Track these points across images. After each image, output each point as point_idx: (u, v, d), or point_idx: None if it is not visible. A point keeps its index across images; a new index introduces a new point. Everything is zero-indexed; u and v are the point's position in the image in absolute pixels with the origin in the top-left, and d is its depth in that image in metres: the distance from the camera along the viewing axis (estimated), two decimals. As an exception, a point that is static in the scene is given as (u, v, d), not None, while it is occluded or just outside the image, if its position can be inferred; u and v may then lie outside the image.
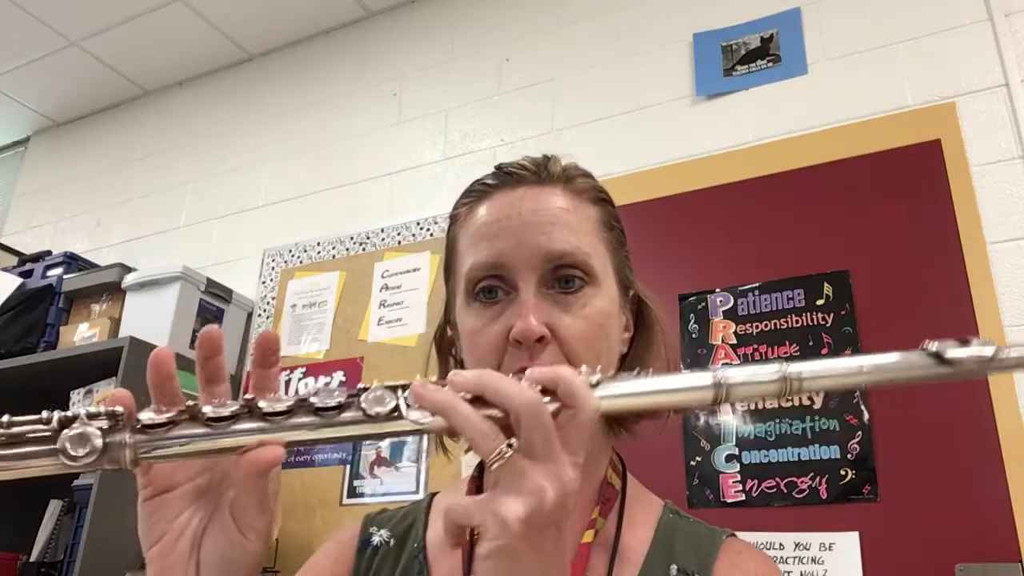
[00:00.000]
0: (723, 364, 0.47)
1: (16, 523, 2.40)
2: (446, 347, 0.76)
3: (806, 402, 1.75)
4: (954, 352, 0.48)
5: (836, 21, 2.04)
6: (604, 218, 0.72)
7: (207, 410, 0.45)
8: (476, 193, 0.72)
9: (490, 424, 0.45)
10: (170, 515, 0.50)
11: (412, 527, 0.74)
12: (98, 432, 0.43)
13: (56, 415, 0.44)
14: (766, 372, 0.50)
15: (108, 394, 2.21)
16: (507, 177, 0.70)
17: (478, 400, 0.46)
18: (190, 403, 0.47)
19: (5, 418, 0.44)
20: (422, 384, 0.46)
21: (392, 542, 0.73)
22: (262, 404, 0.46)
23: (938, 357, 0.48)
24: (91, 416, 0.44)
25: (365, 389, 0.47)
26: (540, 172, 0.71)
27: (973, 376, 0.48)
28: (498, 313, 0.65)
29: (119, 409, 0.45)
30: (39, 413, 0.45)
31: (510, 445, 0.44)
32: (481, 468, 0.75)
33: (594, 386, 0.48)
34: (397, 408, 0.45)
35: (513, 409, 0.45)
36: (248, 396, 0.47)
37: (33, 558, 2.30)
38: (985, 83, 1.82)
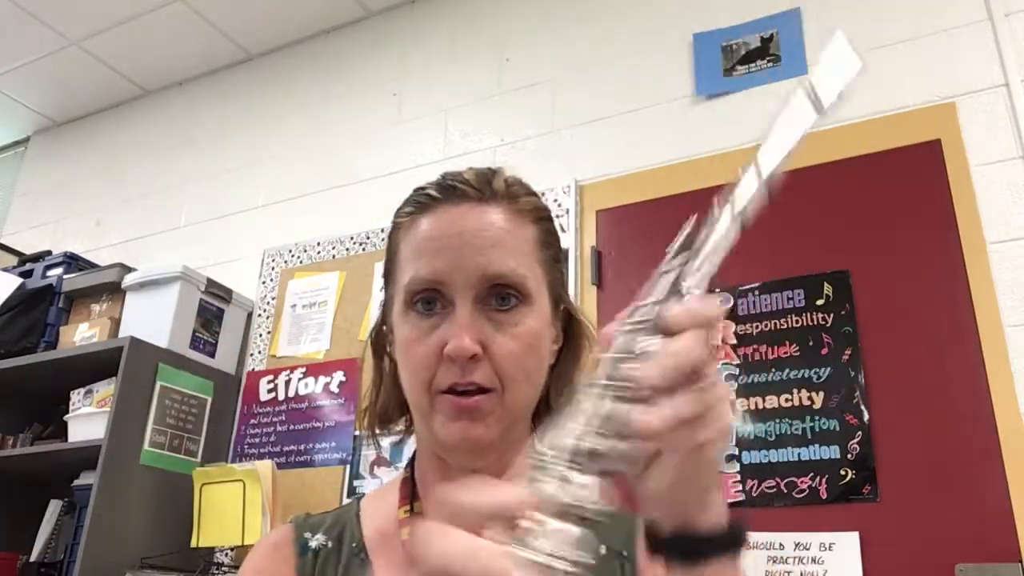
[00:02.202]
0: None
1: (16, 523, 2.40)
2: (381, 347, 0.77)
3: (806, 402, 1.75)
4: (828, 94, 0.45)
5: (836, 21, 2.04)
6: (542, 237, 0.73)
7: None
8: (420, 204, 0.73)
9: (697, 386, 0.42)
10: None
11: (345, 530, 0.75)
12: None
13: None
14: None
15: (108, 394, 2.14)
16: (451, 191, 0.72)
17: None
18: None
19: None
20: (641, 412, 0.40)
21: (330, 544, 0.74)
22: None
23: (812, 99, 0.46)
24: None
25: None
26: (484, 189, 0.72)
27: None
28: (434, 326, 0.67)
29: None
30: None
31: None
32: (412, 468, 0.76)
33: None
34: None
35: (709, 375, 0.43)
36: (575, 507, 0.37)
37: (33, 558, 2.30)
38: (985, 83, 1.82)
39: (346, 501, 2.19)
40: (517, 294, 0.68)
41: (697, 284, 0.46)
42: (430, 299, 0.68)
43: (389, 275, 0.76)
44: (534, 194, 0.76)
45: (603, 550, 0.68)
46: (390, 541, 0.71)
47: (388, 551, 0.71)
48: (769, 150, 0.49)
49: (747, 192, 0.48)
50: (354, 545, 0.73)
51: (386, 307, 0.76)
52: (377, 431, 0.79)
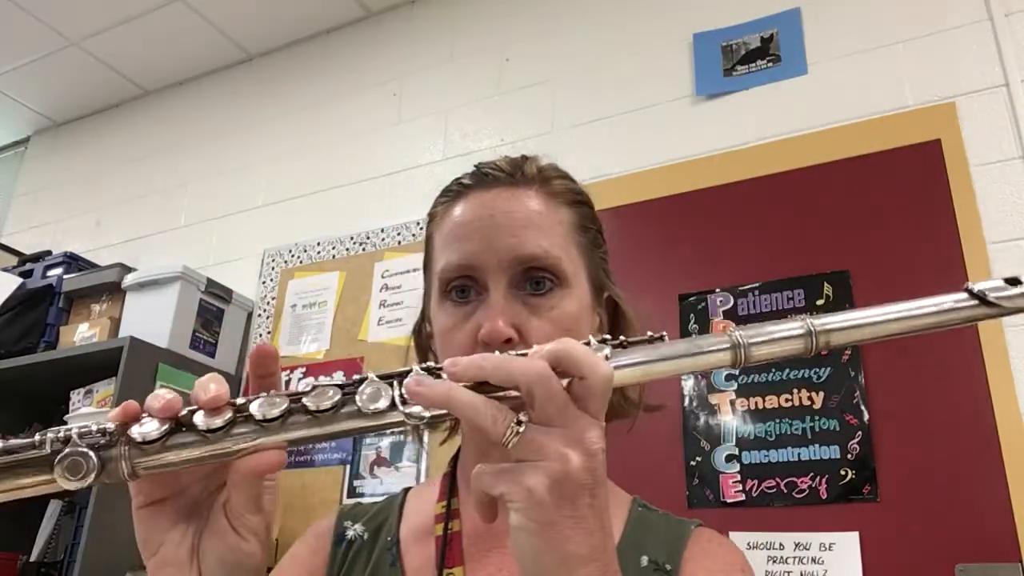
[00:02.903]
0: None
1: (16, 523, 2.40)
2: (424, 342, 0.77)
3: (806, 402, 1.75)
4: (997, 292, 0.46)
5: (836, 21, 2.04)
6: (579, 220, 0.72)
7: (199, 420, 0.45)
8: (453, 192, 0.73)
9: (495, 404, 0.44)
10: (166, 523, 0.49)
11: (385, 522, 0.75)
12: (92, 454, 0.43)
13: (49, 438, 0.44)
14: (787, 328, 0.47)
15: (108, 394, 2.18)
16: (483, 177, 0.71)
17: (480, 386, 0.45)
18: (183, 413, 0.46)
19: (0, 443, 0.44)
20: (417, 381, 0.45)
21: (366, 536, 0.74)
22: (255, 411, 0.45)
23: (980, 298, 0.46)
24: (83, 435, 0.44)
25: (361, 381, 0.46)
26: (515, 173, 0.71)
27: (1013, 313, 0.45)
28: (469, 313, 0.66)
29: (110, 426, 0.45)
30: (32, 427, 0.45)
31: (519, 421, 0.44)
32: (455, 464, 0.75)
33: (606, 359, 0.47)
34: (393, 404, 0.45)
35: (521, 383, 0.44)
36: (240, 401, 0.46)
37: (33, 558, 2.30)
38: (985, 83, 1.82)
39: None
40: (552, 277, 0.66)
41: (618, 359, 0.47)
42: (464, 287, 0.67)
43: (426, 266, 0.75)
44: (569, 178, 0.74)
45: (644, 561, 0.66)
46: (424, 537, 0.71)
47: (421, 547, 0.70)
48: (839, 321, 0.48)
49: (769, 335, 0.48)
50: (388, 539, 0.72)
51: (425, 300, 0.75)
52: (421, 430, 0.78)
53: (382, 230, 2.50)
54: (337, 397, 0.45)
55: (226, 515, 0.48)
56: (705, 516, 0.75)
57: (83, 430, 0.44)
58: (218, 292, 2.51)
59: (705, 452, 1.81)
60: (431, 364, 0.47)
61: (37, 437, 0.44)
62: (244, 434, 0.45)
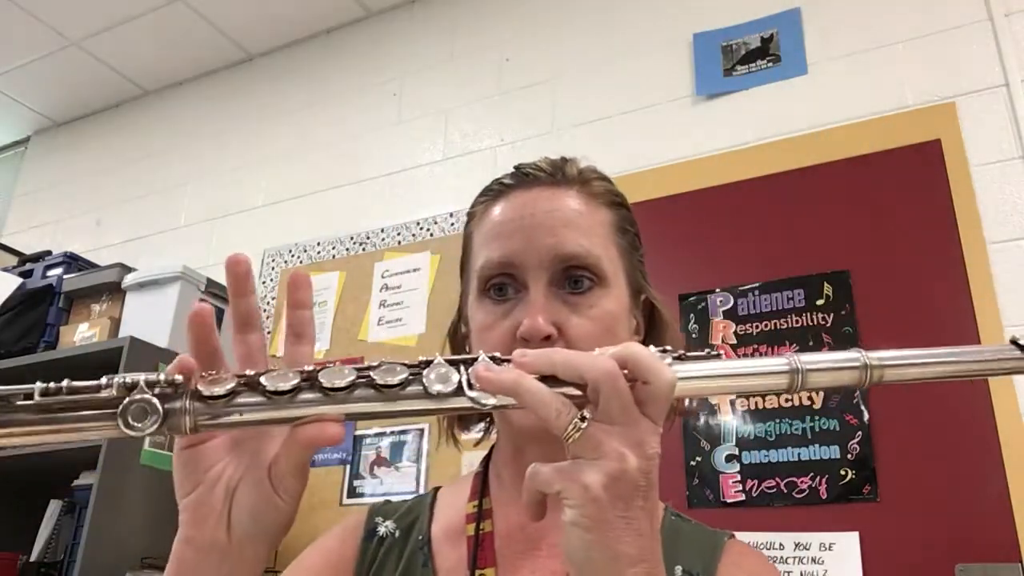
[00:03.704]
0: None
1: (16, 523, 2.40)
2: (459, 342, 0.77)
3: (806, 402, 1.75)
4: None
5: (836, 21, 2.04)
6: (618, 221, 0.73)
7: (266, 382, 0.45)
8: (493, 192, 0.73)
9: (561, 398, 0.45)
10: (205, 465, 0.50)
11: (417, 520, 0.74)
12: (158, 403, 0.43)
13: (116, 382, 0.43)
14: (845, 359, 0.48)
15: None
16: (523, 177, 0.72)
17: (544, 379, 0.46)
18: (249, 372, 0.46)
19: (65, 383, 0.43)
20: (486, 367, 0.45)
21: (397, 533, 0.73)
22: (323, 378, 0.45)
23: None
24: (151, 384, 0.44)
25: (428, 363, 0.46)
26: (556, 174, 0.71)
27: None
28: (508, 311, 0.66)
29: (179, 378, 0.45)
30: (98, 379, 0.44)
31: (583, 417, 0.44)
32: (486, 465, 0.75)
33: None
34: (460, 387, 0.45)
35: (589, 379, 0.45)
36: (308, 368, 0.46)
37: (33, 558, 2.29)
38: (985, 83, 1.82)
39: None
40: (592, 276, 0.66)
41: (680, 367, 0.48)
42: (502, 285, 0.67)
43: (464, 265, 0.75)
44: (608, 180, 0.75)
45: (678, 571, 0.66)
46: (456, 537, 0.70)
47: (452, 547, 0.70)
48: (897, 358, 0.49)
49: (826, 363, 0.48)
50: (420, 538, 0.72)
51: (462, 299, 0.75)
52: (456, 430, 0.78)
53: (382, 230, 2.50)
54: (405, 374, 0.45)
55: (270, 474, 0.49)
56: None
57: (151, 379, 0.44)
58: (218, 292, 2.51)
59: (705, 452, 1.81)
60: (497, 355, 0.47)
61: (104, 380, 0.43)
62: (308, 401, 0.45)
